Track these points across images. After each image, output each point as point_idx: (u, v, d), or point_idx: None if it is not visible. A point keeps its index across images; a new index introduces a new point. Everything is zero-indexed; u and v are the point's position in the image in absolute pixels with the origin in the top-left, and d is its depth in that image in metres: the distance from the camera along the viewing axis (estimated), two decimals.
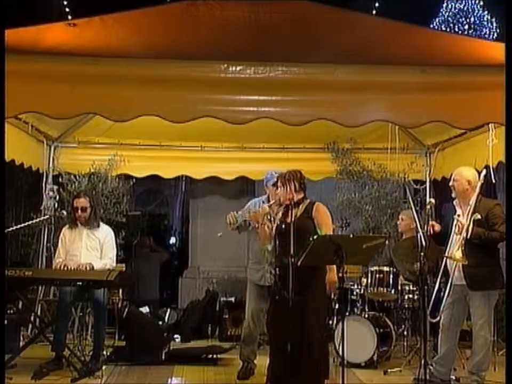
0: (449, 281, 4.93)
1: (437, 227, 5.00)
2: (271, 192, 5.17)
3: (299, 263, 4.19)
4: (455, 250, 4.73)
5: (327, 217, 4.66)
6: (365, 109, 4.82)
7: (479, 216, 4.76)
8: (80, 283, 5.05)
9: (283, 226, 4.58)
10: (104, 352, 5.65)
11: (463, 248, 4.68)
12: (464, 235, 4.73)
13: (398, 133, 6.81)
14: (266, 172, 5.43)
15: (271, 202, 5.00)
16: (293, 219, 4.46)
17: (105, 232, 5.76)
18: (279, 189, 4.71)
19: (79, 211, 5.66)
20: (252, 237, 5.48)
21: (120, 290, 6.88)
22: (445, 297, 4.95)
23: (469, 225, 4.76)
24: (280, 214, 4.74)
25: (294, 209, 4.57)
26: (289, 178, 4.68)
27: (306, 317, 4.34)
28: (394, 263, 6.12)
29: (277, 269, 4.54)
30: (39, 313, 6.68)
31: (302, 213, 4.62)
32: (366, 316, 5.90)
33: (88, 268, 5.40)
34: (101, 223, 5.85)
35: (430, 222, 4.94)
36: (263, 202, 5.25)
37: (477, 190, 4.88)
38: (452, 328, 5.00)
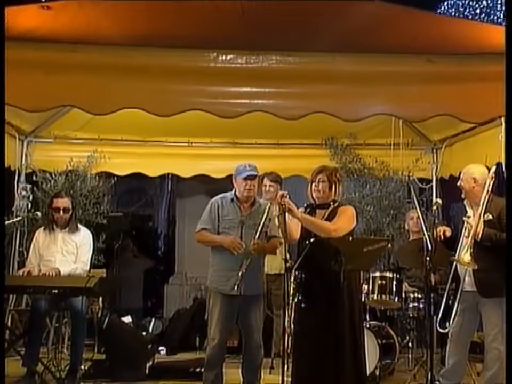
0: (460, 287, 4.92)
1: (448, 232, 4.95)
2: (241, 187, 5.02)
3: (293, 268, 4.19)
4: (463, 253, 4.72)
5: (345, 217, 4.62)
6: (366, 102, 4.83)
7: (490, 217, 4.76)
8: (56, 291, 5.03)
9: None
10: (82, 367, 5.62)
11: (471, 251, 4.67)
12: (473, 237, 4.73)
13: (402, 127, 6.82)
14: (239, 164, 5.19)
15: (273, 204, 4.97)
16: None
17: (82, 236, 5.74)
18: (316, 184, 4.68)
19: (60, 212, 5.64)
20: None
21: (100, 299, 6.84)
22: (455, 305, 4.94)
23: (477, 226, 4.74)
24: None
25: (319, 210, 4.64)
26: (338, 177, 4.72)
27: (338, 326, 4.34)
28: (398, 268, 6.12)
29: (302, 275, 4.50)
30: (9, 324, 6.64)
31: (328, 215, 4.63)
32: (367, 325, 5.89)
33: (54, 274, 5.36)
34: (79, 226, 5.83)
35: (441, 227, 4.92)
36: (232, 200, 5.10)
37: (486, 188, 4.86)
38: (461, 338, 4.99)
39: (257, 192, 5.19)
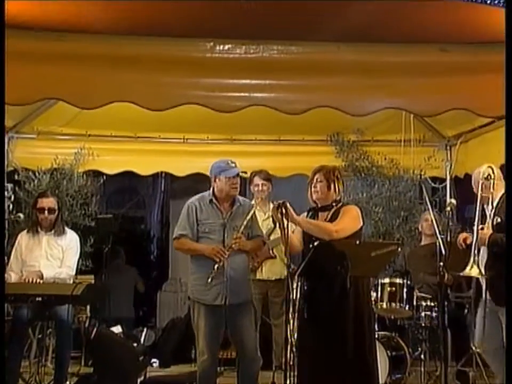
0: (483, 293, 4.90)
1: (469, 239, 4.91)
2: (226, 185, 5.02)
3: (296, 275, 4.20)
4: (469, 264, 4.67)
5: (349, 217, 4.64)
6: (374, 95, 4.83)
7: (499, 220, 4.72)
8: (40, 298, 5.03)
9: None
10: (68, 382, 5.62)
11: (476, 258, 4.63)
12: (477, 245, 4.68)
13: (413, 122, 6.82)
14: (219, 161, 5.19)
15: (255, 202, 5.00)
16: None
17: (69, 239, 5.75)
18: (314, 185, 4.70)
19: (45, 213, 5.65)
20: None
21: (88, 307, 6.86)
22: (480, 319, 4.90)
23: (479, 230, 4.69)
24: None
25: (321, 213, 4.67)
26: (337, 175, 4.73)
27: (345, 337, 4.34)
28: (409, 274, 6.12)
29: (305, 281, 4.51)
30: None
31: (331, 217, 4.65)
32: (376, 336, 5.89)
33: (37, 279, 5.36)
34: (66, 228, 5.84)
35: (462, 234, 4.90)
36: (211, 201, 5.09)
37: (496, 188, 4.81)
38: (488, 348, 4.95)
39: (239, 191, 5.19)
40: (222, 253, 4.82)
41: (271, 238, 6.23)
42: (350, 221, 4.61)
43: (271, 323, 6.53)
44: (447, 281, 5.29)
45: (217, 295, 4.94)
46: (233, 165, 5.04)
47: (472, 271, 4.61)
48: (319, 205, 4.76)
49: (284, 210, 4.39)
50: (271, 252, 6.30)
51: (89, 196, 7.59)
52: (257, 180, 6.38)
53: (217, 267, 4.79)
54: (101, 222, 7.66)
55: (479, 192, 4.78)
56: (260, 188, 6.35)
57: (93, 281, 6.76)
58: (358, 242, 4.38)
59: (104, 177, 7.79)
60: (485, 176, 4.79)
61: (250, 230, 5.12)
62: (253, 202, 5.34)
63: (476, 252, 4.61)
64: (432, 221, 6.21)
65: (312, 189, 4.76)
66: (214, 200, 5.07)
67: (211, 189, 5.14)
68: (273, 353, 6.35)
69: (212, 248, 4.86)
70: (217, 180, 5.07)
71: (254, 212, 5.18)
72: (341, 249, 4.15)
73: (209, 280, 4.81)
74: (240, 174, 5.08)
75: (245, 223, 4.94)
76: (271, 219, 4.79)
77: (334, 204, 4.71)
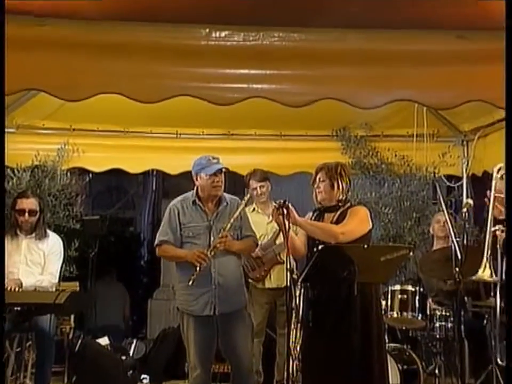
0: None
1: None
2: (207, 184, 5.04)
3: (299, 281, 4.20)
4: (482, 268, 4.67)
5: (356, 218, 4.66)
6: (384, 86, 4.81)
7: None
8: (19, 308, 5.01)
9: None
10: None
11: (489, 260, 4.63)
12: (489, 247, 4.68)
13: (427, 116, 6.82)
14: (199, 157, 5.25)
15: (245, 199, 5.00)
16: None
17: (51, 243, 5.74)
18: (317, 185, 4.70)
19: (26, 215, 5.66)
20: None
21: (72, 317, 6.84)
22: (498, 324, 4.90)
23: (492, 232, 4.70)
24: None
25: (327, 214, 4.70)
26: (340, 173, 4.71)
27: (352, 349, 4.32)
28: (422, 281, 6.12)
29: (309, 288, 4.51)
30: None
31: (337, 219, 4.67)
32: (386, 348, 5.89)
33: (15, 288, 5.34)
34: (48, 231, 5.83)
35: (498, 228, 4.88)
36: (194, 202, 5.09)
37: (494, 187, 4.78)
38: None
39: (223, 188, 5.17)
40: (203, 257, 4.80)
41: (277, 242, 6.22)
42: (357, 223, 4.62)
43: (274, 335, 6.54)
44: (464, 288, 5.28)
45: (205, 305, 4.95)
46: (214, 161, 5.04)
47: (485, 273, 4.61)
48: (324, 206, 4.76)
49: (285, 211, 4.39)
50: (278, 257, 6.29)
51: (73, 196, 7.59)
52: (253, 183, 6.39)
53: (199, 269, 4.79)
54: (86, 224, 7.65)
55: (492, 191, 4.76)
56: (258, 191, 6.36)
57: (77, 289, 6.74)
58: (365, 246, 4.38)
59: (90, 175, 7.81)
60: (500, 175, 4.78)
61: (239, 230, 5.11)
62: (245, 199, 5.29)
63: (488, 254, 4.62)
64: (444, 222, 6.24)
65: (316, 190, 4.78)
66: (197, 200, 5.07)
67: (194, 188, 5.14)
68: (276, 365, 6.35)
69: (193, 252, 4.85)
70: (198, 179, 5.10)
71: (244, 210, 5.18)
72: (347, 253, 4.15)
73: (190, 283, 4.80)
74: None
75: (231, 221, 4.93)
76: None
77: (340, 204, 4.72)
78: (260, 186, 6.37)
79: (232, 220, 4.95)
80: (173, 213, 5.09)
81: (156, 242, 5.15)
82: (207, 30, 4.68)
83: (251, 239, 5.23)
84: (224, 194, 5.18)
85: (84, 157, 7.56)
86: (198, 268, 4.80)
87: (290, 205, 4.44)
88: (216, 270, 4.94)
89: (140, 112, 5.94)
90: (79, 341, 6.35)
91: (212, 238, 4.95)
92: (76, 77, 4.66)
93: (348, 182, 4.86)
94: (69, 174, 7.54)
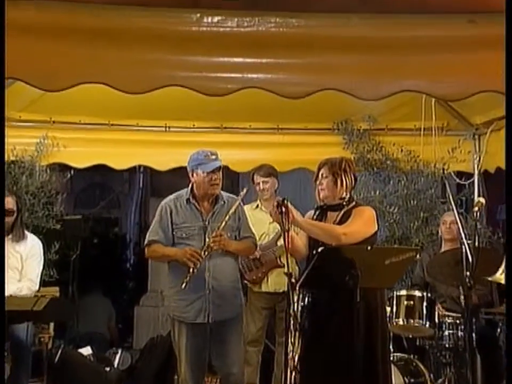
0: None
1: None
2: (204, 182, 5.05)
3: (297, 285, 4.21)
4: (501, 267, 4.70)
5: (361, 219, 4.67)
6: (389, 76, 4.82)
7: None
8: None
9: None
10: None
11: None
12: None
13: (435, 107, 6.83)
14: (197, 152, 5.26)
15: (241, 195, 5.00)
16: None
17: (30, 245, 5.74)
18: (320, 181, 4.71)
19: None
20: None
21: (52, 325, 6.84)
22: None
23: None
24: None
25: (330, 213, 4.71)
26: (345, 168, 4.72)
27: (354, 358, 4.32)
28: (430, 286, 6.13)
29: (308, 293, 4.53)
30: None
31: (340, 219, 4.68)
32: (391, 358, 5.90)
33: None
34: (26, 233, 5.83)
35: None
36: (188, 201, 5.10)
37: None
38: None
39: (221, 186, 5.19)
40: (196, 256, 4.80)
41: (278, 243, 6.23)
42: (362, 224, 4.63)
43: (271, 345, 6.56)
44: (475, 293, 5.31)
45: (199, 312, 4.97)
46: (213, 157, 5.05)
47: (503, 276, 4.63)
48: (327, 204, 4.77)
49: (283, 210, 4.40)
50: (278, 260, 6.30)
51: (53, 194, 7.58)
52: (257, 178, 6.42)
53: (193, 271, 4.79)
54: (67, 225, 7.67)
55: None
56: (261, 187, 6.38)
57: (57, 295, 6.74)
58: (369, 247, 4.37)
59: (72, 171, 7.78)
60: None
61: (238, 231, 5.12)
62: (241, 195, 5.29)
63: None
64: (450, 224, 6.26)
65: (318, 187, 4.78)
66: (191, 199, 5.07)
67: (189, 186, 5.14)
68: (273, 376, 6.37)
69: (184, 251, 4.86)
70: (194, 175, 5.11)
71: (242, 209, 5.19)
72: (349, 256, 4.17)
73: (183, 286, 4.80)
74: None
75: (226, 218, 4.93)
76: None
77: (344, 203, 4.73)
78: (263, 182, 6.39)
79: (227, 218, 4.95)
80: (165, 212, 5.09)
81: (145, 242, 5.15)
82: (198, 15, 4.68)
83: (250, 240, 5.24)
84: (221, 192, 5.19)
85: (64, 152, 7.56)
86: (191, 270, 4.80)
87: (289, 203, 4.45)
88: (211, 273, 4.95)
89: (126, 103, 5.95)
90: (59, 351, 6.35)
91: (207, 240, 4.95)
92: (56, 65, 4.65)
93: (353, 178, 4.87)
94: (48, 170, 7.53)
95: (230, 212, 4.96)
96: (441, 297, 6.12)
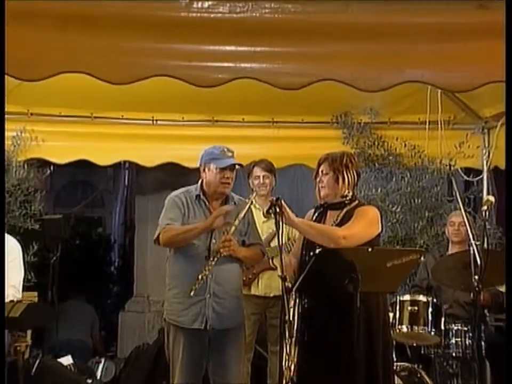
0: None
1: None
2: (215, 179, 5.04)
3: (294, 289, 4.21)
4: None
5: (363, 220, 4.67)
6: (391, 65, 4.82)
7: None
8: None
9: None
10: None
11: None
12: None
13: (441, 99, 6.84)
14: (212, 147, 5.23)
15: (251, 197, 5.00)
16: None
17: (9, 248, 5.72)
18: (320, 179, 4.71)
19: None
20: (173, 252, 5.17)
21: (29, 333, 6.82)
22: None
23: None
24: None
25: (330, 211, 4.72)
26: (347, 164, 4.72)
27: (353, 368, 4.31)
28: (436, 290, 6.14)
29: (304, 298, 4.54)
30: None
31: (341, 220, 4.67)
32: (394, 368, 5.91)
33: None
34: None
35: None
36: (198, 197, 5.08)
37: None
38: None
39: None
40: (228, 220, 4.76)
41: (272, 245, 6.24)
42: (364, 226, 4.62)
43: (265, 353, 6.55)
44: (484, 299, 5.32)
45: (196, 316, 4.95)
46: (229, 154, 5.04)
47: None
48: (328, 203, 4.77)
49: (277, 210, 4.40)
50: (271, 262, 6.31)
51: (31, 192, 7.57)
52: (257, 171, 6.42)
53: (201, 277, 4.79)
54: (47, 225, 7.65)
55: None
56: (261, 181, 6.39)
57: (36, 300, 6.73)
58: (370, 249, 4.36)
59: (52, 167, 7.77)
60: None
61: (247, 236, 5.11)
62: (250, 198, 5.29)
63: None
64: (458, 225, 6.26)
65: (318, 184, 4.78)
66: (202, 196, 5.05)
67: (199, 181, 5.13)
68: None
69: (216, 215, 4.81)
70: (206, 170, 5.09)
71: (252, 213, 5.18)
72: (349, 258, 4.17)
73: (192, 292, 4.80)
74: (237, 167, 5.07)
75: (236, 222, 4.93)
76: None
77: (346, 202, 4.73)
78: (264, 176, 6.39)
79: (236, 222, 4.93)
80: (175, 205, 5.06)
81: (160, 227, 5.05)
82: (187, 0, 4.69)
83: (258, 248, 5.23)
84: (232, 194, 5.18)
85: (43, 147, 7.54)
86: (200, 276, 4.79)
87: (284, 203, 4.45)
88: (213, 277, 4.94)
89: (110, 94, 5.95)
90: (37, 361, 6.33)
91: (214, 241, 4.94)
92: (34, 53, 4.64)
93: (355, 175, 4.85)
94: (26, 166, 7.50)
95: (240, 215, 4.94)
96: (447, 302, 6.12)
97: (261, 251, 5.28)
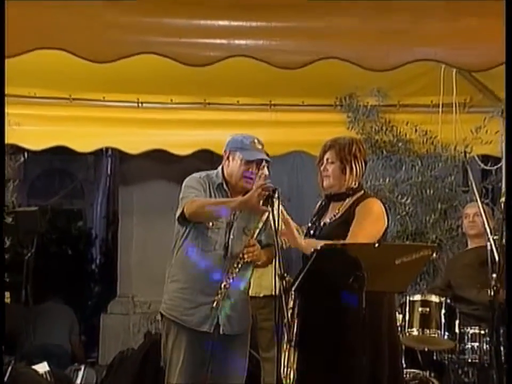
0: None
1: None
2: (239, 171, 4.94)
3: (294, 288, 4.23)
4: None
5: (372, 217, 4.67)
6: (401, 42, 4.84)
7: None
8: None
9: (314, 231, 4.70)
10: None
11: None
12: None
13: (456, 80, 6.84)
14: (241, 135, 5.13)
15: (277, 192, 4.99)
16: (327, 220, 4.68)
17: None
18: (324, 167, 4.72)
19: None
20: (185, 241, 5.06)
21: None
22: None
23: None
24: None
25: (333, 203, 4.73)
26: (355, 153, 4.72)
27: (359, 377, 4.32)
28: (450, 290, 6.16)
29: (304, 298, 4.55)
30: None
31: (343, 212, 4.68)
32: (404, 375, 5.92)
33: None
34: None
35: None
36: (220, 186, 4.99)
37: None
38: None
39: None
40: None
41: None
42: (369, 228, 4.62)
43: (258, 356, 6.57)
44: (503, 299, 5.33)
45: (205, 318, 4.89)
46: (259, 146, 4.97)
47: None
48: (331, 193, 4.77)
49: (275, 204, 4.41)
50: None
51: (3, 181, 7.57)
52: None
53: (225, 285, 4.78)
54: (20, 218, 7.65)
55: None
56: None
57: (8, 301, 6.74)
58: (376, 244, 4.39)
59: (26, 154, 7.78)
60: None
61: (264, 236, 5.08)
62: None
63: None
64: (473, 216, 6.28)
65: (322, 173, 4.76)
66: (224, 185, 5.01)
67: (220, 168, 5.09)
68: None
69: (260, 185, 4.64)
70: (230, 158, 5.01)
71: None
72: (353, 254, 4.17)
73: (214, 304, 4.79)
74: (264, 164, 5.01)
75: (259, 225, 4.91)
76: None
77: (351, 192, 4.72)
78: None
79: (260, 224, 4.91)
80: (200, 184, 4.96)
81: (181, 205, 4.88)
82: None
83: (272, 249, 5.20)
84: None
85: (17, 131, 7.49)
86: (224, 284, 4.79)
87: (280, 200, 4.45)
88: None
89: (90, 74, 5.96)
90: (9, 369, 6.34)
91: (231, 237, 4.91)
92: (7, 29, 4.65)
93: (363, 164, 4.83)
94: None
95: (264, 217, 4.89)
96: (462, 303, 6.13)
97: (272, 252, 5.26)
